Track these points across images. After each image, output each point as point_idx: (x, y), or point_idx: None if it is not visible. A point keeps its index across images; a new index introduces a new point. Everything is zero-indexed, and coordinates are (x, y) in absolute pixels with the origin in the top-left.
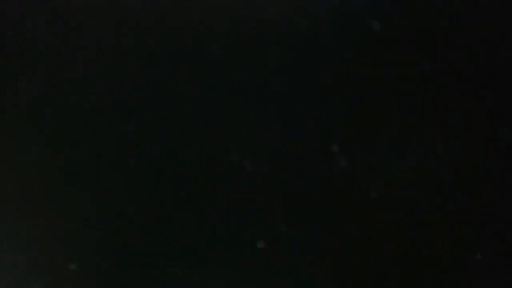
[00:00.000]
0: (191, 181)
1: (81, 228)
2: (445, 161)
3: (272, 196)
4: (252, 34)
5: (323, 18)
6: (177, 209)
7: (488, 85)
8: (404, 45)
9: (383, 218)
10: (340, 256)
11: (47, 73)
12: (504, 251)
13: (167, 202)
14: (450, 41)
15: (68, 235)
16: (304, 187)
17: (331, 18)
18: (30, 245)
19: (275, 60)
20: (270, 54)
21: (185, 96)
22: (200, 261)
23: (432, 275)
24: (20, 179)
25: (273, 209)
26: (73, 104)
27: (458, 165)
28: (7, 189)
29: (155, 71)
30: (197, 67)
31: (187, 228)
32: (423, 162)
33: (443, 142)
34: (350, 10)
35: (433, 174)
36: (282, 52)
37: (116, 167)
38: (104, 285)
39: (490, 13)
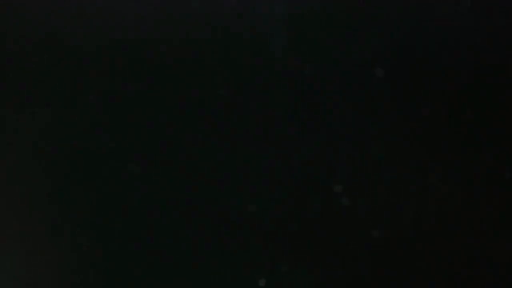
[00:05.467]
0: (194, 221)
1: (81, 269)
2: (447, 200)
3: (274, 235)
4: (256, 78)
5: (328, 64)
6: (179, 248)
7: (489, 128)
8: (407, 91)
9: (385, 258)
10: None
11: (51, 112)
12: None
13: (169, 242)
14: (453, 87)
15: (68, 274)
16: (307, 226)
17: (336, 65)
18: (29, 283)
19: (279, 103)
20: (274, 97)
21: (188, 137)
22: None
23: None
24: (20, 216)
25: (275, 248)
26: (75, 147)
27: (461, 204)
28: (8, 228)
29: (159, 113)
30: (201, 109)
31: (188, 267)
32: (425, 202)
33: (445, 181)
34: (354, 57)
35: (436, 213)
36: (287, 96)
37: (117, 208)
38: None
39: (490, 59)
